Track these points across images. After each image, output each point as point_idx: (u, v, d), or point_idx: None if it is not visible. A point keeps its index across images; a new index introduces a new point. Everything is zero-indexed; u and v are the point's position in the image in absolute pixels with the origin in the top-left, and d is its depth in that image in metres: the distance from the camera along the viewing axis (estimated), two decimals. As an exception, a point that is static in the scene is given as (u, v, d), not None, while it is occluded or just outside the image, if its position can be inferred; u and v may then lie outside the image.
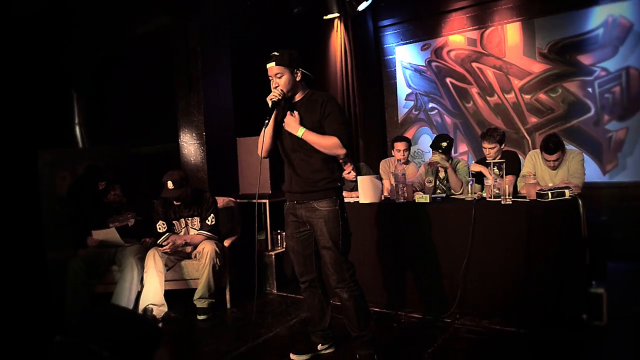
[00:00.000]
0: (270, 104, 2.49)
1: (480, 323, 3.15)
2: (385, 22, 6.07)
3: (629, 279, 4.01)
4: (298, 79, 2.54)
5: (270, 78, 2.54)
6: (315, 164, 2.55)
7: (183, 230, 3.81)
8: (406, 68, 5.98)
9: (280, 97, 2.50)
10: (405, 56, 5.98)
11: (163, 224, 3.70)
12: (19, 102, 4.53)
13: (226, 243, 3.82)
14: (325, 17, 5.36)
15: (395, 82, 6.08)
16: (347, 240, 2.62)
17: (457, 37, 5.56)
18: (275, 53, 2.50)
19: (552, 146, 3.47)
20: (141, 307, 3.43)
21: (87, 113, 5.14)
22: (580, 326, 2.92)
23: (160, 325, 3.41)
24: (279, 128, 2.60)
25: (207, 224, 3.72)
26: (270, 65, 2.50)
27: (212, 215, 3.74)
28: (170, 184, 3.59)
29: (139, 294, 3.50)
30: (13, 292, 4.02)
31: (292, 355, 2.80)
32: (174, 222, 3.79)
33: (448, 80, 5.66)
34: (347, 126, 2.54)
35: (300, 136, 2.49)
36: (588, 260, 3.04)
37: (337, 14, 5.33)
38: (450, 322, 3.19)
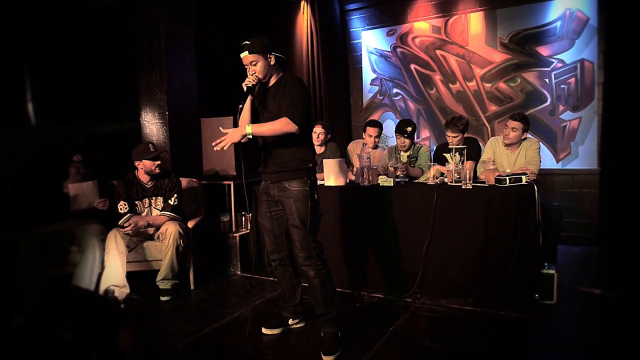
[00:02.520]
0: (245, 89, 2.58)
1: (439, 302, 3.27)
2: (352, 6, 6.06)
3: (576, 260, 4.24)
4: (272, 63, 2.62)
5: (246, 66, 2.62)
6: (286, 146, 2.62)
7: (146, 210, 3.73)
8: (372, 53, 6.01)
9: (255, 83, 2.59)
10: (371, 41, 6.00)
11: (125, 205, 3.62)
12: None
13: (190, 224, 3.78)
14: (291, -1, 5.32)
15: (361, 67, 6.11)
16: (316, 219, 2.69)
17: (422, 24, 5.63)
18: (247, 42, 2.55)
19: (517, 116, 3.78)
20: (102, 288, 3.36)
21: (41, 88, 4.91)
22: (532, 305, 3.09)
23: (122, 306, 3.36)
24: (255, 112, 2.70)
25: (170, 204, 3.67)
26: (244, 55, 2.57)
27: (175, 195, 3.69)
28: (151, 147, 3.65)
29: (100, 275, 3.43)
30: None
31: (264, 329, 2.89)
32: (136, 202, 3.71)
33: (412, 66, 5.74)
34: (302, 103, 2.54)
35: (251, 134, 2.51)
36: (541, 242, 3.20)
37: (304, -4, 5.31)
38: (410, 302, 3.30)
